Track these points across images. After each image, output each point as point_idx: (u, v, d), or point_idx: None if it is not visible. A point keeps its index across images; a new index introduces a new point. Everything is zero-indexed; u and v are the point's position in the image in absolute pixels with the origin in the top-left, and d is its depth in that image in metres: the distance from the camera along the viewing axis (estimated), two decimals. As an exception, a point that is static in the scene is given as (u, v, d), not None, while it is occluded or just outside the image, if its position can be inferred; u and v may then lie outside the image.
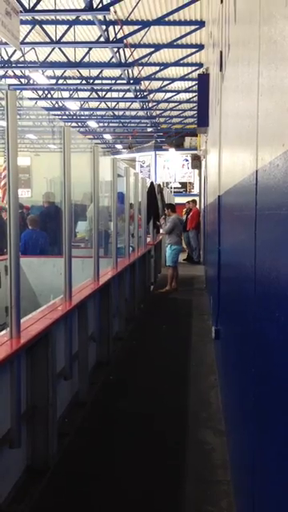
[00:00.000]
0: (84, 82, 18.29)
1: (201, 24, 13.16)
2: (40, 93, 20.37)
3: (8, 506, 3.27)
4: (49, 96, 20.78)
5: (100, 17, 12.06)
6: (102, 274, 6.05)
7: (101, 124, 27.01)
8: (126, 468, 3.90)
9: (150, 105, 22.46)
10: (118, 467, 3.90)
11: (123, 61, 15.03)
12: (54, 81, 18.45)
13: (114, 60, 14.79)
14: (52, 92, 20.62)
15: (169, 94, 21.04)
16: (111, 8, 11.36)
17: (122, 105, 22.77)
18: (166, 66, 16.93)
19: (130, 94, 19.83)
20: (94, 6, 10.79)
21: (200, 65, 16.10)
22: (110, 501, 3.49)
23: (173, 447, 4.24)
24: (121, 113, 24.20)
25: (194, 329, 8.25)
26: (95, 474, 3.78)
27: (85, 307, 5.08)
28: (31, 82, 17.63)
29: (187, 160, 25.64)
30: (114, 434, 4.47)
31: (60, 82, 18.78)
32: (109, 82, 18.71)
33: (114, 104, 22.50)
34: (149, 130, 27.88)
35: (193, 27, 13.44)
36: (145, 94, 20.00)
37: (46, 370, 3.78)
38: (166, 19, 12.87)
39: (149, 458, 4.06)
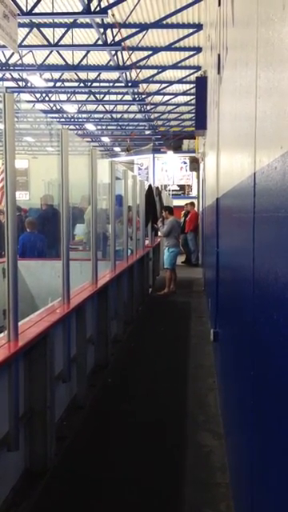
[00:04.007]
0: (82, 84, 18.30)
1: (198, 27, 13.18)
2: (38, 95, 20.38)
3: (6, 509, 3.26)
4: (46, 99, 20.79)
5: (98, 20, 12.06)
6: (100, 276, 6.05)
7: (99, 127, 27.02)
8: (124, 471, 3.89)
9: (148, 107, 22.49)
10: (116, 470, 3.90)
11: (121, 64, 15.04)
12: (51, 83, 18.45)
13: (111, 63, 14.80)
14: (50, 95, 20.64)
15: (167, 97, 21.07)
16: (109, 11, 11.37)
17: (119, 107, 22.78)
18: (163, 68, 16.96)
19: (127, 97, 19.85)
20: (92, 8, 10.79)
21: (198, 67, 16.13)
22: (109, 504, 3.48)
23: (171, 450, 4.23)
24: (119, 115, 24.22)
25: (192, 331, 8.24)
26: (93, 477, 3.77)
27: (83, 310, 5.07)
28: (29, 84, 17.64)
29: (185, 162, 25.67)
30: (112, 437, 4.46)
31: (58, 84, 18.78)
32: (107, 84, 18.72)
33: (111, 107, 22.51)
34: (147, 132, 27.91)
35: (190, 30, 13.46)
36: (143, 96, 20.02)
37: (44, 373, 3.78)
38: (164, 22, 12.88)
39: (147, 460, 4.05)
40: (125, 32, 13.48)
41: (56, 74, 18.06)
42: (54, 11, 12.08)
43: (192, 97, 18.61)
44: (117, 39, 13.20)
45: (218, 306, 5.09)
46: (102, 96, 20.41)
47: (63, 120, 24.62)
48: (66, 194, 4.67)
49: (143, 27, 13.28)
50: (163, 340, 7.76)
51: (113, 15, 12.38)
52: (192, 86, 17.18)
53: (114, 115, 24.10)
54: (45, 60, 15.44)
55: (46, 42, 13.67)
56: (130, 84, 17.10)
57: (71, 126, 25.57)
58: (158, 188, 14.35)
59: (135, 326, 8.42)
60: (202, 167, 15.09)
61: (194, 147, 19.98)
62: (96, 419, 4.84)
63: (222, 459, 3.98)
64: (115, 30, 13.18)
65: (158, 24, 13.00)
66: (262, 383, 1.93)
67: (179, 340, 7.71)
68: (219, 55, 5.04)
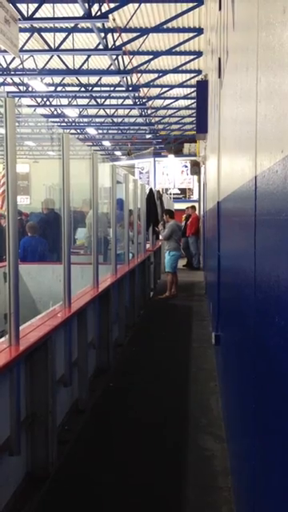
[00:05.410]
0: (83, 89, 18.34)
1: (199, 31, 13.22)
2: (39, 100, 20.42)
3: (8, 514, 3.25)
4: (48, 103, 20.84)
5: (99, 24, 12.10)
6: (101, 280, 6.05)
7: (100, 131, 27.06)
8: (126, 474, 3.88)
9: (149, 111, 22.52)
10: (118, 474, 3.89)
11: (122, 68, 15.07)
12: (52, 88, 18.49)
13: (112, 67, 14.83)
14: (51, 99, 20.68)
15: (168, 101, 21.11)
16: (110, 15, 11.40)
17: (120, 112, 22.83)
18: (164, 72, 16.99)
19: (128, 101, 19.88)
20: (93, 13, 10.82)
21: (199, 71, 16.16)
22: (111, 507, 3.48)
23: (173, 453, 4.22)
24: (120, 120, 24.27)
25: (193, 335, 8.24)
26: (95, 481, 3.77)
27: (84, 314, 5.07)
28: (30, 89, 17.68)
29: (186, 166, 25.69)
30: (113, 441, 4.46)
31: (59, 89, 18.83)
32: (107, 89, 18.76)
33: (112, 111, 22.56)
34: (148, 136, 27.93)
35: (191, 34, 13.50)
36: (144, 100, 20.06)
37: (46, 377, 3.77)
38: (165, 26, 12.92)
39: (149, 464, 4.04)
40: (125, 36, 13.52)
41: (57, 79, 18.10)
42: (55, 16, 12.12)
43: (193, 101, 18.68)
44: (117, 44, 13.24)
45: (220, 309, 5.09)
46: (102, 100, 20.45)
47: (64, 124, 24.66)
48: (67, 198, 4.67)
49: (144, 31, 13.32)
50: (165, 343, 7.76)
51: (113, 20, 12.42)
52: (193, 89, 17.22)
53: (115, 119, 24.15)
54: (46, 64, 15.48)
55: (46, 47, 13.70)
56: (130, 88, 17.13)
57: (72, 131, 25.60)
58: (158, 192, 14.37)
59: (137, 330, 8.42)
60: (203, 171, 15.10)
61: (195, 151, 20.00)
62: (97, 423, 4.83)
63: (224, 463, 3.97)
64: (116, 35, 13.22)
65: (159, 28, 13.04)
66: (264, 387, 1.93)
67: (180, 343, 7.71)
68: (220, 59, 5.05)
